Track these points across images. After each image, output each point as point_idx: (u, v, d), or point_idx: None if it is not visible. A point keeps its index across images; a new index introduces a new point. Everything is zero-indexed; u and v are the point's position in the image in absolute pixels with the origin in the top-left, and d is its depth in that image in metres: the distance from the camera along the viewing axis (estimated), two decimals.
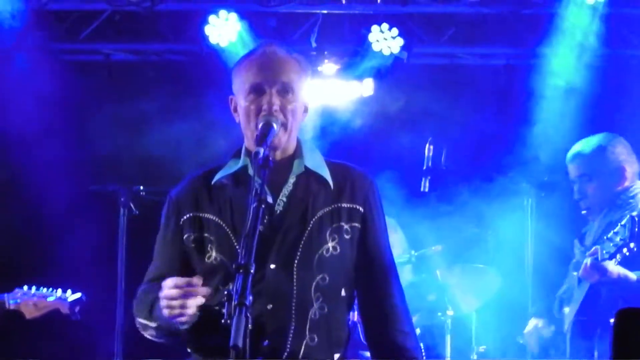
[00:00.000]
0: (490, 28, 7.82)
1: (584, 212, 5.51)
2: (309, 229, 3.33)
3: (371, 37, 7.63)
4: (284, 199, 3.36)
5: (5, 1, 7.35)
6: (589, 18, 7.38)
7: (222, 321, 2.85)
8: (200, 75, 7.85)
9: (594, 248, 4.92)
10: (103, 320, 6.19)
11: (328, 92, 7.84)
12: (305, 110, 3.47)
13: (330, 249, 3.35)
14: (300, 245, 3.31)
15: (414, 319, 6.07)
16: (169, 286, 3.14)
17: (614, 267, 4.87)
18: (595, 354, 5.04)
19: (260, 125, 3.28)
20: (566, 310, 5.34)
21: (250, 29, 7.59)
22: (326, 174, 3.42)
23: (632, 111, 7.46)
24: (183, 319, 3.15)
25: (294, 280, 3.29)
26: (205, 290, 3.16)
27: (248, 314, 2.82)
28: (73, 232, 7.51)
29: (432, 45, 8.04)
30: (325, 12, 7.70)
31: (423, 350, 6.47)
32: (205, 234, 3.37)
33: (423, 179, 6.25)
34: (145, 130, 7.49)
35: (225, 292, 2.89)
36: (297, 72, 3.40)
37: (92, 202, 6.96)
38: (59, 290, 5.66)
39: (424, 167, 6.26)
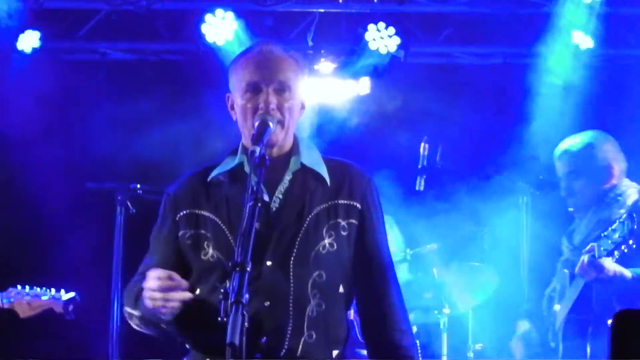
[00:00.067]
0: (487, 27, 7.82)
1: (570, 209, 5.52)
2: (305, 225, 3.34)
3: (368, 36, 7.64)
4: (280, 196, 3.37)
5: (2, 1, 7.35)
6: (586, 17, 7.39)
7: (219, 319, 2.87)
8: (197, 74, 7.86)
9: (590, 245, 4.93)
10: (99, 319, 6.18)
11: (325, 91, 7.85)
12: (303, 107, 3.48)
13: (327, 245, 3.35)
14: (297, 242, 3.32)
15: (410, 317, 6.08)
16: (152, 277, 3.16)
17: (610, 264, 4.88)
18: (588, 352, 5.04)
19: (256, 124, 3.29)
20: (556, 307, 5.35)
21: (246, 28, 7.60)
22: (323, 170, 3.43)
23: (629, 110, 7.47)
24: (165, 310, 3.17)
25: (291, 277, 3.30)
26: (186, 283, 3.19)
27: (244, 312, 2.83)
28: (70, 231, 7.51)
29: (428, 44, 8.05)
30: (321, 10, 7.71)
31: (419, 349, 6.49)
32: (202, 231, 3.38)
33: (418, 178, 6.25)
34: (142, 129, 7.50)
35: (222, 290, 2.90)
36: (294, 70, 3.41)
37: (89, 201, 6.96)
38: (53, 290, 5.67)
39: (419, 166, 6.27)
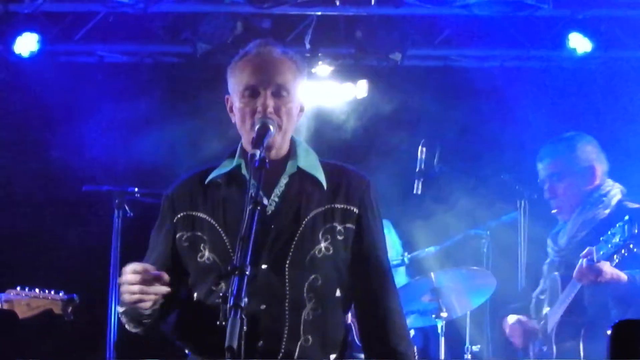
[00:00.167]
0: (484, 30, 7.82)
1: (554, 211, 5.52)
2: (301, 228, 3.33)
3: (366, 39, 7.64)
4: (276, 199, 3.36)
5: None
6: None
7: (218, 323, 2.86)
8: (194, 76, 7.85)
9: (587, 249, 4.93)
10: (97, 321, 6.18)
11: (322, 94, 7.85)
12: (301, 110, 3.47)
13: (323, 249, 3.34)
14: (292, 245, 3.31)
15: (408, 321, 6.07)
16: (129, 271, 3.15)
17: (608, 268, 4.88)
18: (582, 353, 5.04)
19: (257, 127, 3.28)
20: (546, 310, 5.34)
21: (244, 31, 7.58)
22: (320, 175, 3.41)
23: (627, 112, 7.48)
24: (143, 304, 3.16)
25: (286, 280, 3.29)
26: (166, 277, 3.17)
27: (243, 316, 2.83)
28: (67, 234, 7.51)
29: (426, 47, 8.05)
30: (319, 13, 7.70)
31: (417, 353, 6.48)
32: (198, 233, 3.38)
33: (416, 181, 6.25)
34: (140, 132, 7.49)
35: (221, 294, 2.90)
36: (293, 73, 3.40)
37: (86, 204, 6.95)
38: (52, 291, 5.67)
39: (417, 169, 6.26)
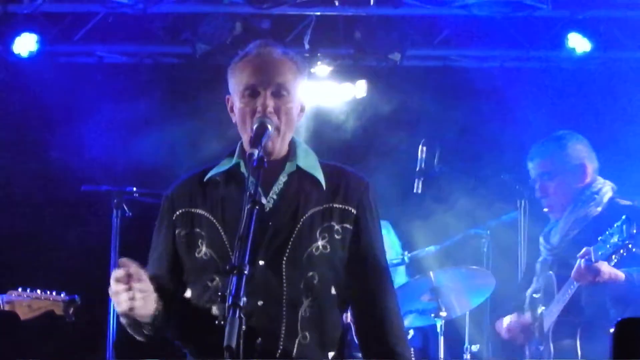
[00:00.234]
0: (483, 30, 7.83)
1: (545, 209, 5.52)
2: (298, 226, 3.33)
3: (365, 39, 7.65)
4: (275, 197, 3.37)
5: None
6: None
7: (216, 322, 2.86)
8: (193, 77, 7.85)
9: (585, 249, 4.92)
10: (96, 322, 6.18)
11: (321, 94, 7.85)
12: (302, 110, 3.47)
13: (320, 247, 3.35)
14: (290, 243, 3.32)
15: (407, 320, 6.09)
16: (111, 282, 3.13)
17: (606, 268, 4.88)
18: (579, 352, 5.04)
19: (255, 127, 3.29)
20: (541, 309, 5.34)
21: (243, 32, 7.59)
22: (319, 174, 3.42)
23: (626, 113, 7.49)
24: (136, 312, 3.14)
25: (283, 277, 3.30)
26: (143, 274, 3.15)
27: (242, 315, 2.83)
28: (66, 234, 7.51)
29: (425, 47, 8.06)
30: (318, 13, 7.70)
31: (416, 352, 6.48)
32: (197, 229, 3.38)
33: (416, 181, 6.25)
34: (139, 132, 7.49)
35: (219, 294, 2.90)
36: (293, 73, 3.40)
37: (85, 204, 6.96)
38: (54, 292, 5.67)
39: (417, 169, 6.26)
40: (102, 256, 5.99)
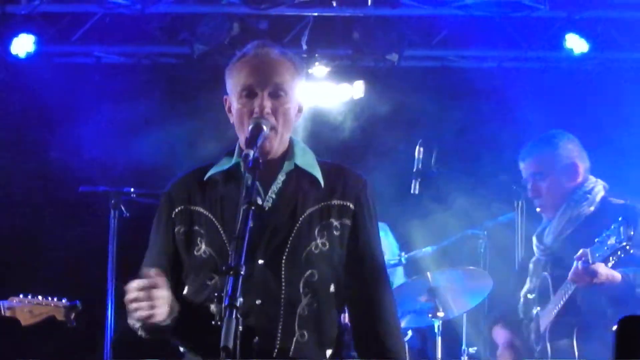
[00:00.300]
0: (481, 30, 7.83)
1: (538, 209, 5.52)
2: (297, 225, 3.34)
3: (362, 39, 7.65)
4: (273, 196, 3.38)
5: None
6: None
7: (213, 323, 2.87)
8: (191, 77, 7.86)
9: (581, 251, 4.92)
10: (94, 322, 6.18)
11: (319, 95, 7.85)
12: (300, 110, 3.48)
13: (319, 245, 3.35)
14: (289, 242, 3.33)
15: (405, 321, 6.09)
16: (131, 290, 3.12)
17: (603, 270, 4.88)
18: (576, 351, 5.04)
19: (250, 128, 3.30)
20: (536, 310, 5.34)
21: (241, 32, 7.59)
22: (317, 172, 3.43)
23: (623, 113, 7.49)
24: (157, 319, 3.14)
25: (282, 276, 3.30)
26: (164, 282, 3.15)
27: (238, 315, 2.84)
28: (65, 234, 7.51)
29: (423, 47, 8.06)
30: (315, 14, 7.71)
31: (413, 352, 6.48)
32: (196, 227, 3.39)
33: (413, 181, 6.25)
34: (137, 133, 7.49)
35: (216, 294, 2.90)
36: (290, 73, 3.41)
37: (83, 204, 6.96)
38: (55, 298, 5.68)
39: (414, 169, 6.26)
40: (100, 256, 5.99)
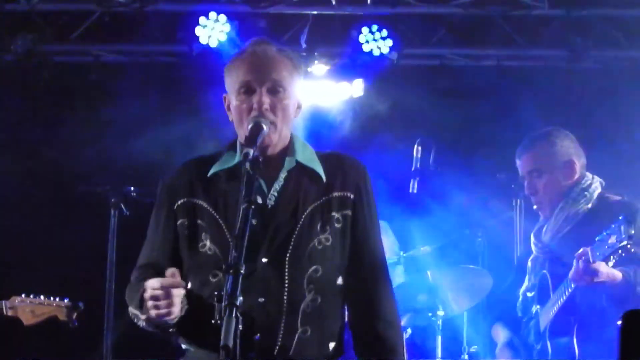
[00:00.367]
0: (480, 29, 7.83)
1: (535, 207, 5.51)
2: (300, 223, 3.35)
3: (361, 38, 7.65)
4: (276, 194, 3.38)
5: None
6: None
7: (213, 321, 2.87)
8: (190, 76, 7.85)
9: (582, 249, 4.91)
10: (94, 321, 6.18)
11: (318, 93, 7.85)
12: (299, 107, 3.49)
13: (323, 240, 3.36)
14: (292, 240, 3.33)
15: (405, 319, 6.09)
16: (153, 287, 3.14)
17: (604, 269, 4.87)
18: (576, 349, 5.04)
19: (249, 127, 3.30)
20: (536, 308, 5.34)
21: (240, 31, 7.60)
22: (318, 167, 3.44)
23: (622, 112, 7.49)
24: (171, 317, 3.16)
25: (286, 274, 3.30)
26: (183, 283, 3.19)
27: (238, 314, 2.84)
28: (64, 234, 7.50)
29: (422, 46, 8.06)
30: (315, 13, 7.71)
31: (412, 348, 6.48)
32: (199, 221, 3.38)
33: (412, 180, 6.25)
34: (136, 131, 7.48)
35: (216, 293, 2.91)
36: (288, 70, 3.42)
37: (82, 203, 6.95)
38: (57, 298, 5.68)
39: (413, 168, 6.26)
40: (99, 256, 5.98)
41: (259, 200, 3.29)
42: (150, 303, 3.15)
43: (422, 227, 6.86)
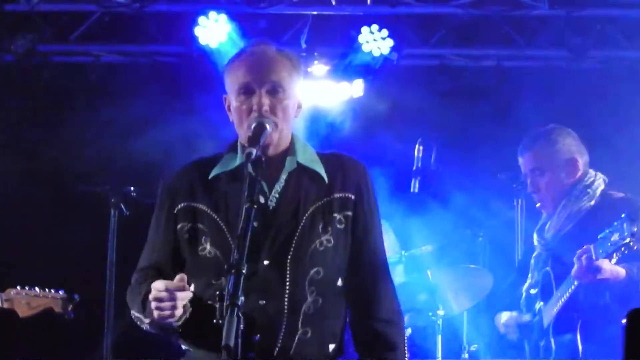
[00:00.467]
0: (480, 29, 7.83)
1: (538, 205, 5.51)
2: (301, 225, 3.34)
3: (361, 38, 7.65)
4: (277, 195, 3.37)
5: None
6: None
7: (214, 321, 2.86)
8: (190, 76, 7.85)
9: (585, 247, 4.91)
10: (94, 321, 6.17)
11: (318, 93, 7.85)
12: (299, 107, 3.48)
13: (324, 241, 3.36)
14: (294, 241, 3.32)
15: (405, 319, 6.07)
16: (159, 289, 3.14)
17: (607, 266, 4.87)
18: (580, 345, 5.03)
19: (253, 126, 3.29)
20: (539, 305, 5.33)
21: (240, 31, 7.59)
22: (319, 168, 3.43)
23: (622, 112, 7.49)
24: (174, 319, 3.17)
25: (287, 275, 3.30)
26: (190, 287, 3.19)
27: (240, 314, 2.84)
28: (64, 234, 7.50)
29: (421, 46, 8.06)
30: (315, 13, 7.71)
31: (411, 347, 6.48)
32: (199, 225, 3.38)
33: (413, 180, 6.25)
34: (136, 132, 7.48)
35: (217, 293, 2.90)
36: (288, 70, 3.41)
37: (83, 203, 6.95)
38: (52, 290, 5.68)
39: (414, 168, 6.26)
40: (99, 256, 5.98)
41: (261, 201, 3.29)
42: (153, 304, 3.15)
43: (423, 226, 6.86)
